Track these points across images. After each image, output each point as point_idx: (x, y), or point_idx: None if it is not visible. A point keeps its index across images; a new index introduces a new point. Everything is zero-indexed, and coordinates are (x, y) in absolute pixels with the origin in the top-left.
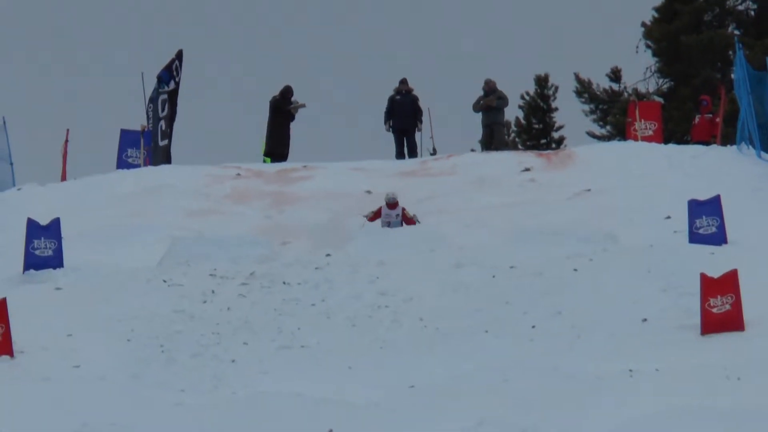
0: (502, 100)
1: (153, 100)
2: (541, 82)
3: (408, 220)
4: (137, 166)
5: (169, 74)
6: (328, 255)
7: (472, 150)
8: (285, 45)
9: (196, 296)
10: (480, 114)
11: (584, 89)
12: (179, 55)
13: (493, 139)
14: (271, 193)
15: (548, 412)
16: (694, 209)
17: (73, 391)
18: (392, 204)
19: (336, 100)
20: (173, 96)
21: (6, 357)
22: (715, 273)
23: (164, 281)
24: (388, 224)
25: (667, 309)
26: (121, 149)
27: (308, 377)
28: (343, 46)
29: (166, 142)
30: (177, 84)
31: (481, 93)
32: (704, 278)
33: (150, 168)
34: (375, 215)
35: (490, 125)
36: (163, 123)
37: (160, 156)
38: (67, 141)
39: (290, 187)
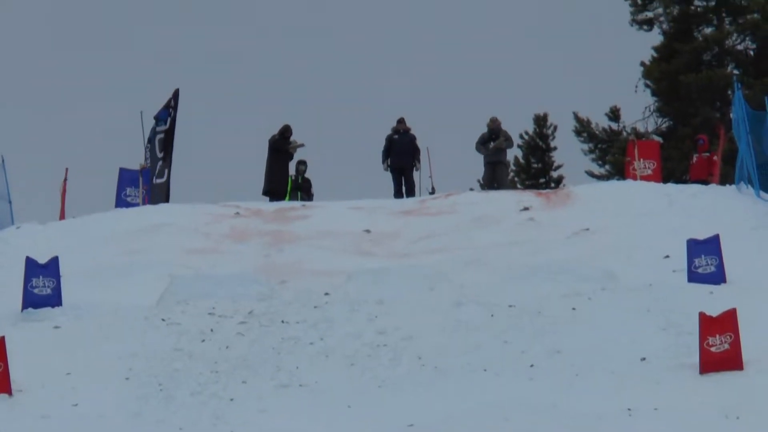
0: (509, 141)
1: (151, 140)
2: (540, 121)
3: None
4: (136, 204)
5: (167, 113)
6: (326, 294)
7: (471, 189)
8: (284, 84)
9: (195, 334)
10: (482, 153)
11: (583, 128)
12: (176, 94)
13: (495, 177)
14: (269, 232)
15: None
16: (693, 248)
17: (72, 430)
18: None
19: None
20: (169, 135)
21: (5, 395)
22: (714, 312)
23: (163, 320)
24: None
25: (666, 348)
26: (120, 188)
27: (307, 416)
28: (342, 84)
29: (162, 180)
30: (173, 121)
31: (485, 130)
32: (703, 317)
33: (149, 206)
34: None
35: (493, 164)
36: (160, 163)
37: (158, 194)
38: (66, 179)
39: (289, 226)
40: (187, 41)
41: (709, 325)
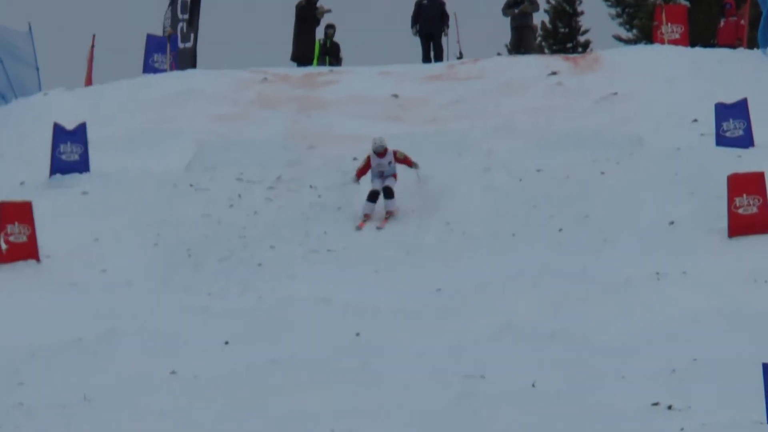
0: (534, 5)
1: (173, 2)
2: None
3: (403, 160)
4: (164, 71)
5: None
6: (354, 159)
7: (499, 54)
8: None
9: (223, 201)
10: (509, 17)
11: None
12: None
13: (522, 42)
14: (297, 97)
15: (575, 315)
16: (720, 112)
17: (100, 296)
18: (381, 152)
19: (362, 4)
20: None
21: (32, 261)
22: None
23: (191, 186)
24: (381, 174)
25: (694, 212)
26: (148, 54)
27: (335, 281)
28: None
29: (188, 44)
30: None
31: None
32: (731, 179)
33: (176, 73)
34: (364, 168)
35: (519, 28)
36: (183, 25)
37: (185, 59)
38: (93, 46)
39: (317, 92)
40: None
41: (737, 185)
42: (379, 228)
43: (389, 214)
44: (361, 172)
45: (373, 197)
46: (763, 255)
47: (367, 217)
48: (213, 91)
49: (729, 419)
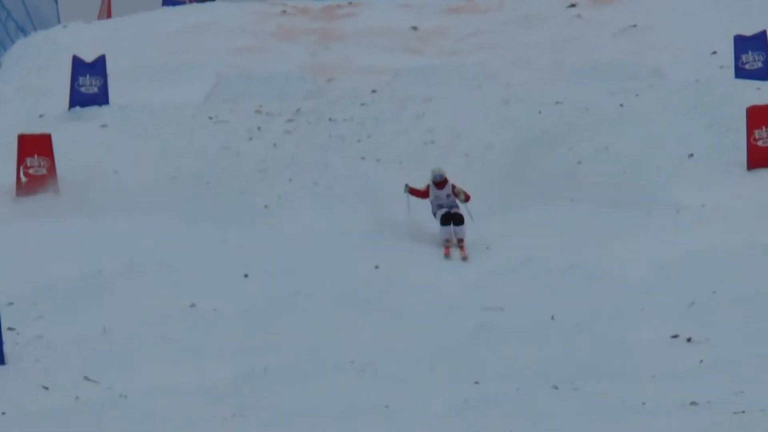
0: None
1: None
2: None
3: (458, 195)
4: (183, 3)
5: None
6: (373, 91)
7: None
8: None
9: (242, 133)
10: None
11: None
12: None
13: None
14: (316, 30)
15: (595, 247)
16: (740, 44)
17: (118, 229)
18: (440, 182)
19: None
20: None
21: (51, 193)
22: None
23: (210, 118)
24: (440, 207)
25: (713, 144)
26: None
27: (353, 214)
28: None
29: None
30: None
31: None
32: (750, 110)
33: (196, 5)
34: (420, 191)
35: None
36: None
37: None
38: None
39: (336, 24)
40: None
41: (756, 117)
42: (464, 259)
43: (462, 242)
44: (414, 191)
45: (446, 221)
46: None
47: (449, 242)
48: (232, 24)
49: (748, 351)
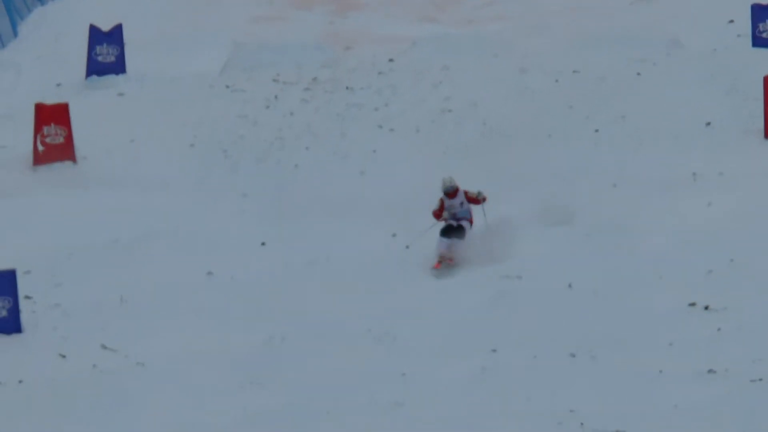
0: None
1: None
2: None
3: (474, 200)
4: None
5: None
6: (391, 60)
7: None
8: None
9: (260, 102)
10: None
11: None
12: None
13: None
14: None
15: (611, 214)
16: (757, 13)
17: (136, 198)
18: (451, 192)
19: None
20: None
21: (69, 162)
22: None
23: (227, 87)
24: (454, 216)
25: (730, 113)
26: None
27: (371, 181)
28: None
29: None
30: None
31: None
32: (767, 78)
33: None
34: (439, 210)
35: None
36: None
37: None
38: None
39: None
40: None
41: None
42: (449, 266)
43: (452, 261)
44: (437, 214)
45: (447, 233)
46: None
47: (443, 257)
48: None
49: (765, 319)
